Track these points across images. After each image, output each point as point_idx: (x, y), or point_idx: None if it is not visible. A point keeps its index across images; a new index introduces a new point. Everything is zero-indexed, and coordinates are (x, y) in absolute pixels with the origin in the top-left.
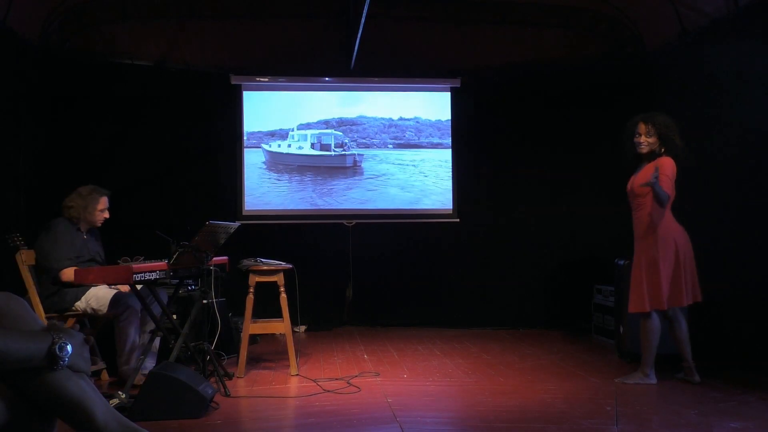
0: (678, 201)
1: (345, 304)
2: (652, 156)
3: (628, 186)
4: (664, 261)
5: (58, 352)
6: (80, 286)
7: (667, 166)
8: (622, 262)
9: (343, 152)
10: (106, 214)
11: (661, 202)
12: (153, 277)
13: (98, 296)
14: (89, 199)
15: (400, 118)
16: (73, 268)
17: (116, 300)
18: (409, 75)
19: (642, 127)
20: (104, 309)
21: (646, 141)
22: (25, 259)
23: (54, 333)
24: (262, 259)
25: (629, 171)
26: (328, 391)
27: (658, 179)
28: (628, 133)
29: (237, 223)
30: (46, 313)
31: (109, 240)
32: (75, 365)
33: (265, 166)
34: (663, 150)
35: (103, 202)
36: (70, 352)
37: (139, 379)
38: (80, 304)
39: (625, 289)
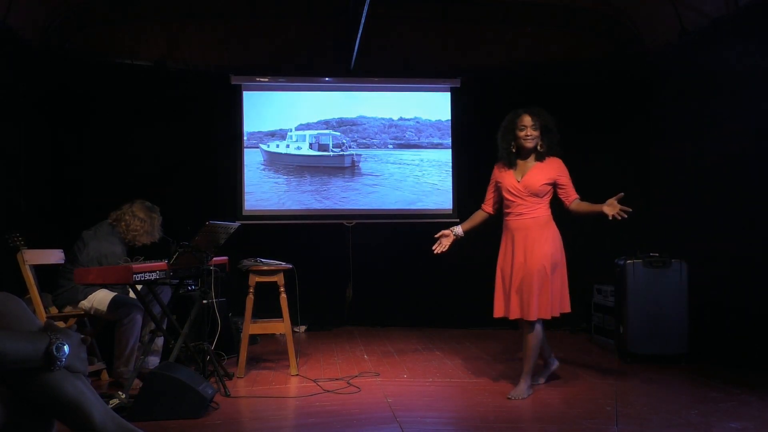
0: (677, 200)
1: (345, 304)
2: (535, 152)
3: (516, 183)
4: (564, 264)
5: (55, 353)
6: (88, 286)
7: (565, 170)
8: (622, 262)
9: (341, 152)
10: None
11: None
12: (153, 277)
13: (99, 298)
14: (151, 223)
15: (400, 119)
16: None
17: (116, 303)
18: (409, 75)
19: (528, 120)
20: (105, 310)
21: (533, 134)
22: (26, 258)
23: (51, 333)
24: (262, 259)
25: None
26: (328, 391)
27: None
28: (507, 126)
29: (237, 223)
30: (57, 307)
31: None
32: (72, 366)
33: (263, 166)
34: (542, 146)
35: (159, 218)
36: (67, 353)
37: (137, 383)
38: (85, 303)
39: (618, 289)
